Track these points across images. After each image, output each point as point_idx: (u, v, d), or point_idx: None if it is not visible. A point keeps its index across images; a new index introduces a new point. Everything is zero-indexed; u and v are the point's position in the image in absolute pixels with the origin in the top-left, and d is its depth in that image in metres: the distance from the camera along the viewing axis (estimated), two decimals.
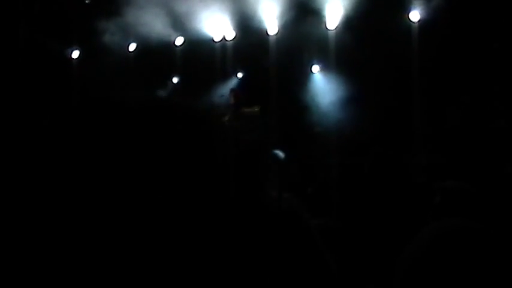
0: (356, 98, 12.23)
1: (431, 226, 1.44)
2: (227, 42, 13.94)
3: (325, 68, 13.46)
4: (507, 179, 7.62)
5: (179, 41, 14.69)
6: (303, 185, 8.37)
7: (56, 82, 15.23)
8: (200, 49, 13.95)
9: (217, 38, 13.94)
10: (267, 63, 13.15)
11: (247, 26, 13.20)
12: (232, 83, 14.26)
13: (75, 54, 15.89)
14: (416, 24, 12.27)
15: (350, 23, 12.59)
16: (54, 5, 15.49)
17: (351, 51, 12.24)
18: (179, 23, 13.75)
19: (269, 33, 13.26)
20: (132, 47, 15.20)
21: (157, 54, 14.42)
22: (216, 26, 13.71)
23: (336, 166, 10.12)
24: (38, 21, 15.15)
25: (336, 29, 12.87)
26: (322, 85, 13.38)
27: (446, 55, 11.69)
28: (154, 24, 13.84)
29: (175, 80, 14.89)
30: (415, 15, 12.29)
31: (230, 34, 13.88)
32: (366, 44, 12.28)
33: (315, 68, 13.76)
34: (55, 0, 15.54)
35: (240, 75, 14.42)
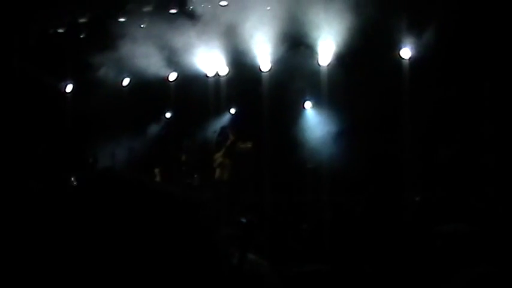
0: (348, 134, 12.29)
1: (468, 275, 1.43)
2: (220, 77, 14.03)
3: (317, 104, 13.55)
4: (500, 216, 7.63)
5: (173, 76, 14.79)
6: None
7: (49, 115, 15.23)
8: (193, 84, 14.03)
9: (210, 74, 14.04)
10: (260, 99, 13.22)
11: (240, 62, 13.31)
12: (225, 118, 14.32)
13: (69, 88, 15.94)
14: (407, 61, 12.42)
15: (342, 59, 12.72)
16: (49, 39, 15.59)
17: (343, 88, 12.35)
18: (173, 59, 13.86)
19: (262, 69, 13.38)
20: (126, 81, 15.28)
21: (150, 89, 14.49)
22: (210, 61, 13.82)
23: (328, 203, 10.10)
24: (33, 55, 15.23)
25: (328, 65, 13.00)
26: (314, 121, 13.45)
27: (438, 92, 11.81)
28: (148, 59, 13.94)
29: (168, 114, 14.91)
30: (406, 53, 12.45)
31: (223, 70, 13.99)
32: (358, 81, 12.39)
33: (307, 104, 13.84)
34: (50, 34, 15.66)
35: (232, 110, 14.49)
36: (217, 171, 13.10)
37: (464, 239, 3.00)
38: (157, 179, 13.91)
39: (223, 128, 13.55)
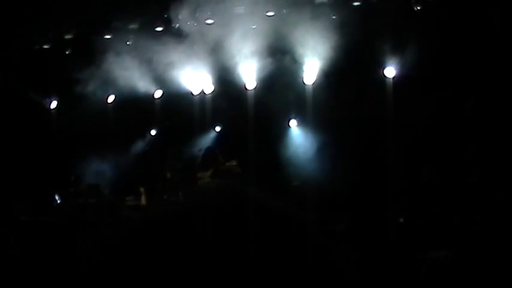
0: (333, 152, 12.34)
1: None
2: (206, 95, 14.06)
3: (302, 123, 13.60)
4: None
5: (158, 93, 14.79)
6: None
7: (33, 132, 15.14)
8: (179, 102, 14.04)
9: (196, 92, 14.06)
10: (245, 118, 13.26)
11: (225, 80, 13.35)
12: (211, 136, 14.32)
13: (53, 104, 15.87)
14: (391, 80, 12.54)
15: (327, 78, 12.82)
16: (34, 55, 15.54)
17: (328, 106, 12.42)
18: (158, 76, 13.87)
19: (247, 87, 13.43)
20: (111, 98, 15.24)
21: (136, 106, 14.46)
22: (195, 79, 13.85)
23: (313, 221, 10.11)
24: (17, 71, 15.16)
25: (313, 83, 13.09)
26: (300, 139, 13.49)
27: (421, 110, 11.91)
28: (133, 76, 13.94)
29: (153, 132, 14.88)
30: (390, 72, 12.57)
31: (209, 88, 14.02)
32: (343, 99, 12.48)
33: (293, 122, 13.89)
34: (35, 50, 15.61)
35: (218, 128, 14.49)
36: None
37: (449, 267, 3.02)
38: (143, 197, 13.85)
39: (208, 147, 13.54)
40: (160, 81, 14.12)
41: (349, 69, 12.39)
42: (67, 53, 15.25)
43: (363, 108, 12.34)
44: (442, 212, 9.64)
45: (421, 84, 11.87)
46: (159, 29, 14.01)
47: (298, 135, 13.66)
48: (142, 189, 13.85)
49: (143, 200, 13.75)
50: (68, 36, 15.25)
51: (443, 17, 11.66)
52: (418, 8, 12.18)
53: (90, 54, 14.13)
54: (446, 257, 3.16)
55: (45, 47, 15.55)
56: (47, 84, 15.57)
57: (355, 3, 12.67)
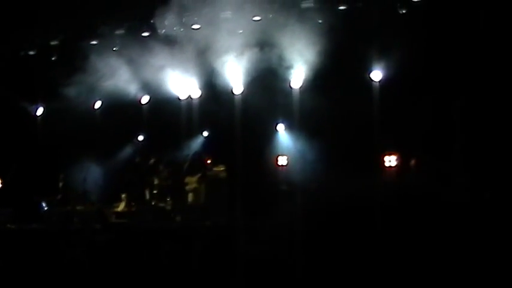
0: (320, 156, 12.36)
1: None
2: (193, 100, 14.04)
3: (289, 127, 13.61)
4: None
5: (145, 99, 14.75)
6: None
7: (19, 138, 15.06)
8: (166, 107, 14.01)
9: (183, 97, 14.04)
10: (233, 122, 13.25)
11: (212, 85, 13.34)
12: (198, 141, 14.29)
13: (40, 111, 15.79)
14: (378, 84, 12.58)
15: (314, 82, 12.84)
16: (20, 61, 15.46)
17: (315, 110, 12.44)
18: (145, 81, 13.84)
19: (234, 92, 13.43)
20: (98, 104, 15.18)
21: (122, 111, 14.41)
22: (182, 84, 13.83)
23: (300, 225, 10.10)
24: (3, 77, 15.08)
25: (300, 88, 13.10)
26: (287, 143, 13.50)
27: (408, 113, 11.96)
28: (120, 82, 13.89)
29: (140, 137, 14.83)
30: (376, 75, 12.62)
31: (196, 93, 14.00)
32: (330, 103, 12.51)
33: (280, 127, 13.89)
34: (20, 56, 15.53)
35: (205, 133, 14.47)
36: (190, 196, 13.03)
37: None
38: (124, 203, 13.80)
39: (195, 152, 13.52)
40: (147, 86, 14.09)
41: (336, 73, 12.43)
42: (53, 59, 15.17)
43: (350, 112, 12.37)
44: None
45: (408, 87, 11.93)
46: (146, 34, 13.97)
47: (285, 139, 13.67)
48: (123, 196, 13.80)
49: (122, 207, 13.69)
50: (53, 42, 15.18)
51: (429, 19, 11.73)
52: (403, 11, 12.25)
53: (77, 60, 14.07)
54: None
55: (31, 53, 15.46)
56: (33, 91, 15.49)
57: (341, 7, 12.71)
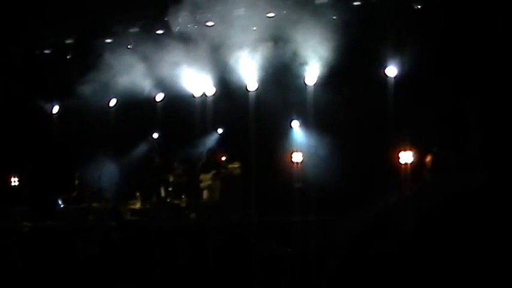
0: (335, 152, 12.29)
1: None
2: (207, 98, 14.03)
3: (304, 123, 13.54)
4: None
5: (159, 96, 14.77)
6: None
7: (35, 136, 15.15)
8: (180, 105, 14.01)
9: (197, 94, 14.04)
10: (247, 119, 13.22)
11: (227, 82, 13.32)
12: (213, 138, 14.28)
13: (55, 109, 15.88)
14: (393, 79, 12.48)
15: (328, 78, 12.76)
16: (35, 60, 15.55)
17: (330, 106, 12.36)
18: (160, 79, 13.85)
19: (249, 88, 13.40)
20: (113, 102, 15.24)
21: (137, 109, 14.44)
22: (196, 82, 13.82)
23: (315, 223, 10.05)
24: (19, 76, 15.18)
25: (314, 84, 13.04)
26: (302, 140, 13.44)
27: (423, 108, 11.84)
28: (134, 80, 13.92)
29: (155, 135, 14.86)
30: (391, 71, 12.51)
31: (210, 90, 13.99)
32: (344, 99, 12.43)
33: (295, 123, 13.83)
34: (36, 55, 15.62)
35: (220, 130, 14.46)
36: (205, 193, 13.05)
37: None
38: (139, 201, 13.84)
39: (210, 149, 13.52)
40: (161, 84, 14.11)
41: (351, 69, 12.34)
42: (68, 57, 15.24)
43: (365, 108, 12.28)
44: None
45: (423, 82, 11.80)
46: (160, 32, 13.99)
47: (300, 136, 13.60)
48: (138, 194, 13.85)
49: (138, 205, 13.74)
50: (68, 41, 15.26)
51: (444, 14, 11.61)
52: (418, 6, 12.13)
53: (91, 58, 14.13)
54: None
55: (46, 52, 15.55)
56: (49, 89, 15.58)
57: (356, 3, 12.62)
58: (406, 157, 11.65)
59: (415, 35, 11.59)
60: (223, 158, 13.37)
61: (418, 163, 11.65)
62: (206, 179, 13.10)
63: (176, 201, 13.59)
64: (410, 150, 11.67)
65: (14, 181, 15.04)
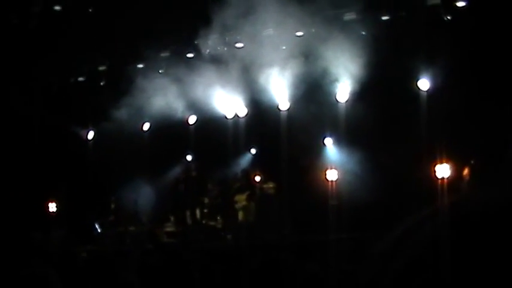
0: (370, 169, 12.15)
1: None
2: (239, 118, 14.08)
3: (337, 141, 13.46)
4: None
5: (192, 119, 14.89)
6: None
7: (71, 162, 15.39)
8: (213, 126, 14.09)
9: (229, 115, 14.10)
10: (280, 138, 13.20)
11: (258, 102, 13.35)
12: (246, 159, 14.29)
13: (90, 134, 16.15)
14: (425, 93, 12.33)
15: (360, 94, 12.68)
16: (70, 87, 15.88)
17: (363, 122, 12.27)
18: (191, 102, 13.96)
19: (280, 108, 13.40)
20: (146, 126, 15.42)
21: (170, 132, 14.58)
22: (228, 103, 13.89)
23: (348, 241, 9.92)
24: (55, 103, 15.49)
25: (346, 101, 12.97)
26: (336, 158, 13.33)
27: (456, 122, 11.66)
28: (167, 103, 14.07)
29: (189, 157, 14.95)
30: (424, 84, 12.37)
31: (242, 111, 14.04)
32: (377, 114, 12.32)
33: (328, 141, 13.75)
34: (71, 83, 15.94)
35: (253, 151, 14.46)
36: (241, 214, 13.03)
37: None
38: (173, 224, 13.89)
39: (244, 170, 13.52)
40: (194, 106, 14.22)
41: (382, 84, 12.25)
42: (102, 84, 15.52)
43: (399, 122, 12.14)
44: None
45: (456, 94, 11.63)
46: (190, 55, 14.15)
47: (334, 154, 13.51)
48: (172, 218, 13.90)
49: (172, 227, 13.79)
50: (101, 68, 15.54)
51: (475, 24, 11.45)
52: (448, 17, 12.00)
53: (124, 83, 14.35)
54: None
55: (81, 79, 15.87)
56: (84, 116, 15.86)
57: (384, 18, 12.55)
58: (443, 171, 11.43)
59: (446, 47, 11.46)
60: (258, 178, 13.36)
61: (456, 176, 11.42)
62: (241, 199, 13.09)
63: (212, 223, 13.61)
64: (446, 163, 11.45)
65: (52, 207, 15.26)
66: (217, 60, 13.39)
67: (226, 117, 14.12)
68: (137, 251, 11.46)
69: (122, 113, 14.56)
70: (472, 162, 11.84)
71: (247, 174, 13.30)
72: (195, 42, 13.80)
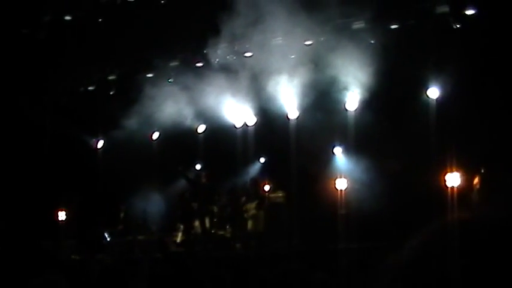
0: (379, 178, 12.12)
1: None
2: (248, 127, 14.09)
3: (346, 149, 13.43)
4: None
5: (201, 128, 14.92)
6: None
7: (81, 171, 15.46)
8: (222, 136, 14.11)
9: (238, 124, 14.11)
10: (289, 147, 13.19)
11: (267, 111, 13.36)
12: (255, 168, 14.29)
13: (100, 143, 16.21)
14: (435, 101, 12.29)
15: (369, 103, 12.66)
16: (80, 97, 15.96)
17: (372, 132, 12.25)
18: (201, 111, 13.99)
19: (289, 117, 13.40)
20: (155, 135, 15.47)
21: (180, 141, 14.61)
22: (237, 112, 13.91)
23: (357, 251, 9.88)
24: (65, 113, 15.58)
25: (355, 110, 12.95)
26: (345, 167, 13.30)
27: (466, 131, 11.60)
28: (176, 112, 14.10)
29: (198, 166, 14.97)
30: (433, 92, 12.33)
31: (251, 120, 14.05)
32: (387, 123, 12.29)
33: (337, 150, 13.72)
34: (81, 92, 16.04)
35: (262, 159, 14.46)
36: (250, 223, 13.01)
37: None
38: (181, 233, 13.87)
39: (252, 179, 13.51)
40: (203, 115, 14.26)
41: (391, 92, 12.23)
42: (111, 93, 15.59)
43: (408, 131, 12.11)
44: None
45: (466, 102, 11.59)
46: (199, 64, 14.19)
47: (343, 163, 13.47)
48: (181, 226, 13.89)
49: (179, 237, 13.78)
50: (111, 77, 15.62)
51: (484, 32, 11.42)
52: (457, 25, 11.97)
53: (133, 93, 14.41)
54: None
55: (90, 88, 15.95)
56: (94, 125, 15.94)
57: (393, 26, 12.54)
58: (453, 179, 11.36)
59: (455, 55, 11.43)
60: (267, 187, 13.34)
61: (466, 185, 11.37)
62: (250, 208, 13.08)
63: (221, 232, 13.59)
64: (457, 172, 11.38)
65: (62, 215, 15.32)
66: (226, 69, 13.42)
67: (235, 126, 14.13)
68: (146, 260, 11.47)
69: (131, 122, 14.62)
70: (482, 171, 11.83)
71: (256, 183, 13.29)
72: (204, 51, 13.85)
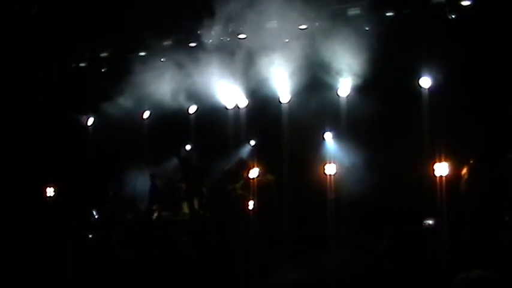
0: (369, 165, 12.19)
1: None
2: (240, 109, 14.08)
3: (337, 135, 13.48)
4: None
5: (192, 108, 14.89)
6: None
7: (71, 148, 15.41)
8: (213, 116, 14.10)
9: (230, 106, 14.10)
10: (280, 131, 13.22)
11: (259, 94, 13.36)
12: (245, 150, 14.30)
13: (90, 121, 16.15)
14: (427, 90, 12.34)
15: (361, 90, 12.70)
16: (71, 74, 15.85)
17: (363, 118, 12.29)
18: (192, 91, 13.96)
19: (281, 101, 13.41)
20: (146, 114, 15.43)
21: (170, 121, 14.58)
22: (229, 93, 13.89)
23: (347, 237, 9.95)
24: (55, 89, 15.48)
25: (347, 96, 12.99)
26: (335, 152, 13.36)
27: (457, 121, 11.69)
28: (168, 92, 14.06)
29: (188, 146, 14.97)
30: (425, 81, 12.38)
31: (243, 102, 14.04)
32: (378, 111, 12.34)
33: (328, 135, 13.77)
34: (72, 68, 15.92)
35: (252, 142, 14.49)
36: (238, 204, 13.03)
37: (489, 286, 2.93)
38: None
39: (240, 159, 13.48)
40: (194, 96, 14.22)
41: (384, 80, 12.26)
42: (103, 70, 15.50)
43: (399, 119, 12.17)
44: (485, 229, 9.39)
45: (458, 92, 11.65)
46: (193, 44, 14.12)
47: (333, 148, 13.53)
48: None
49: (170, 217, 13.80)
50: (103, 54, 15.51)
51: (479, 23, 11.45)
52: (453, 16, 11.99)
53: (125, 71, 14.33)
54: (488, 277, 3.05)
55: (82, 65, 15.84)
56: (84, 102, 15.85)
57: (388, 14, 12.54)
58: (442, 169, 11.46)
59: (450, 45, 11.46)
60: (256, 170, 13.36)
61: (454, 175, 11.47)
62: (235, 188, 13.08)
63: (209, 214, 13.63)
64: (446, 161, 11.48)
65: (50, 191, 15.29)
66: (219, 51, 13.37)
67: (226, 108, 14.12)
68: (134, 238, 11.49)
69: (122, 100, 14.56)
70: (471, 161, 11.92)
71: (244, 163, 13.21)
72: (198, 31, 13.77)
